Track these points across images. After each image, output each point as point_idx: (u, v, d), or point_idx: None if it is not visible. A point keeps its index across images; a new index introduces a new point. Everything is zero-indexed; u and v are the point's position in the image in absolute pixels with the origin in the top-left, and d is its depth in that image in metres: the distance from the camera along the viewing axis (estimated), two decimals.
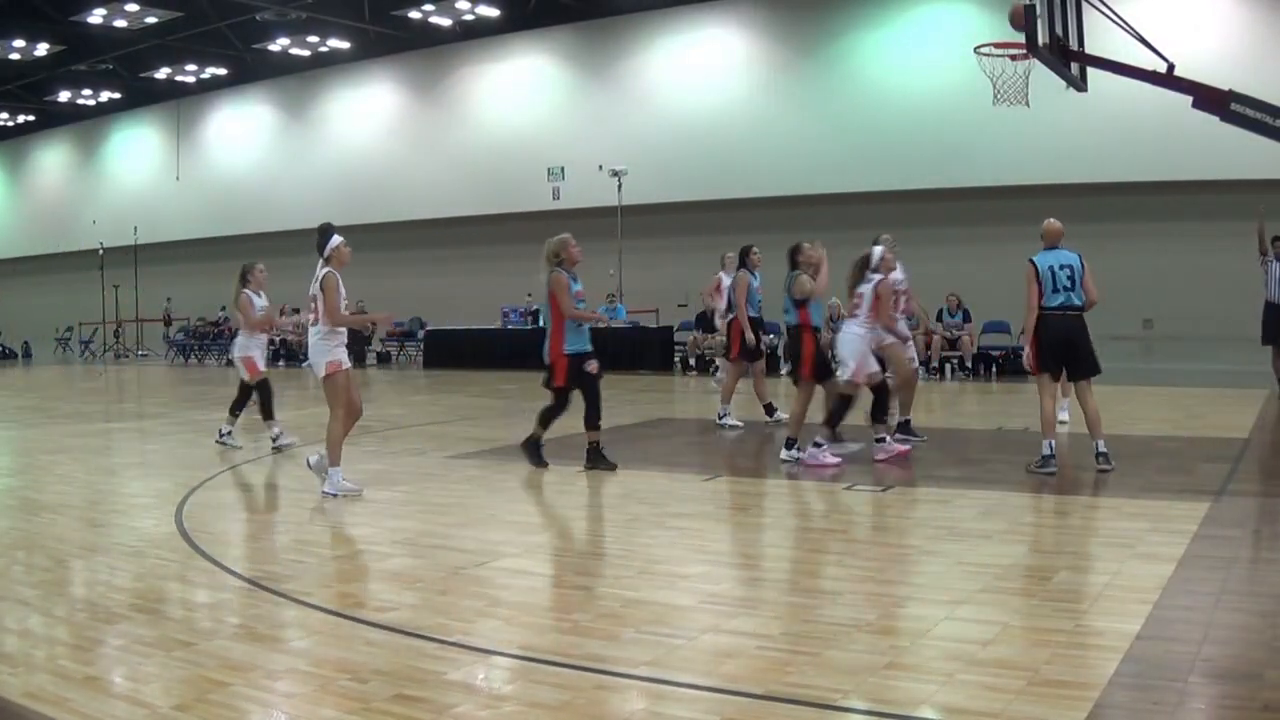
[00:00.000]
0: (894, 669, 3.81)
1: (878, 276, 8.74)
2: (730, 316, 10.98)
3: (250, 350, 10.31)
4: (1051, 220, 8.16)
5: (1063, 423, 10.33)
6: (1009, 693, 3.53)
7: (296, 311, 24.54)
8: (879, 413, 8.71)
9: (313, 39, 25.97)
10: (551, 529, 6.68)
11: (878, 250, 8.87)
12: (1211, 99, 9.51)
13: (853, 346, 8.60)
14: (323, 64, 27.79)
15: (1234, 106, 9.36)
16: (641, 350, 19.71)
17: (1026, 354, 8.06)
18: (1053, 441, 7.84)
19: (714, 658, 4.04)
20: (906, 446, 8.89)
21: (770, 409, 11.05)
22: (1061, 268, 7.85)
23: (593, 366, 8.29)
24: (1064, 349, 7.89)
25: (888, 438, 8.71)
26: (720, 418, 10.94)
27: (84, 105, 32.07)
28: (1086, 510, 6.54)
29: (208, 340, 27.11)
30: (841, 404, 8.61)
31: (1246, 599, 4.64)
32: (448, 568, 5.49)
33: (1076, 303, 7.86)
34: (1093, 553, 5.43)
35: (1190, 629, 4.16)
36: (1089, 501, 6.78)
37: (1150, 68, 9.67)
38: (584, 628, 4.38)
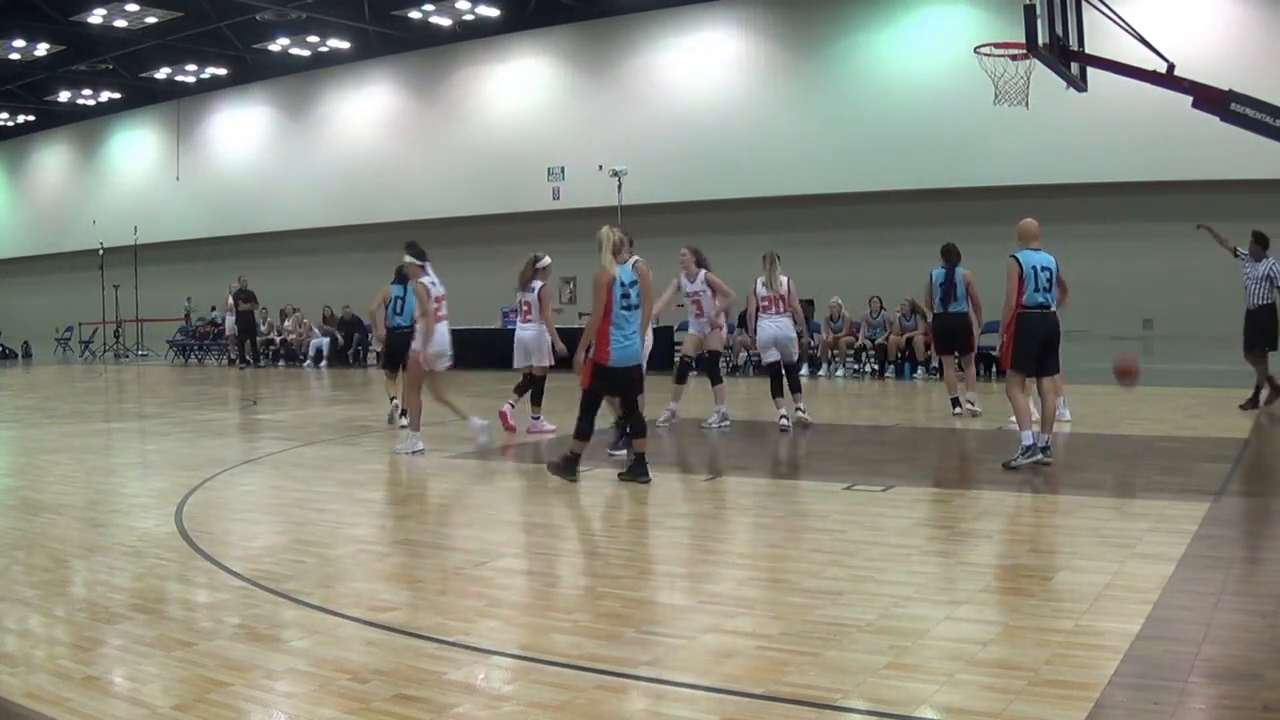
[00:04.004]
0: (894, 669, 3.81)
1: (540, 283, 10.53)
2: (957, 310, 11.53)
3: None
4: (1029, 220, 8.28)
5: (1067, 421, 10.38)
6: (1009, 693, 3.53)
7: (296, 311, 24.64)
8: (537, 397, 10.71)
9: (313, 39, 25.97)
10: (551, 529, 6.68)
11: (546, 259, 10.62)
12: (1211, 99, 9.53)
13: (526, 342, 10.56)
14: (323, 64, 27.79)
15: (1234, 106, 9.38)
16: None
17: (1001, 345, 8.23)
18: (1031, 432, 7.91)
19: (714, 658, 4.03)
20: (552, 428, 10.62)
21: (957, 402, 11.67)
22: (1042, 269, 8.01)
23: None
24: (1042, 347, 8.05)
25: (541, 417, 10.72)
26: (966, 404, 11.57)
27: (84, 105, 32.07)
28: (1086, 510, 6.53)
29: (207, 340, 27.10)
30: (533, 383, 10.68)
31: (1246, 599, 4.63)
32: (448, 568, 5.49)
33: (1052, 303, 8.11)
34: (1093, 553, 5.42)
35: (1190, 629, 4.15)
36: (1089, 501, 6.77)
37: (1150, 68, 9.68)
38: (584, 628, 4.38)
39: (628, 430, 9.78)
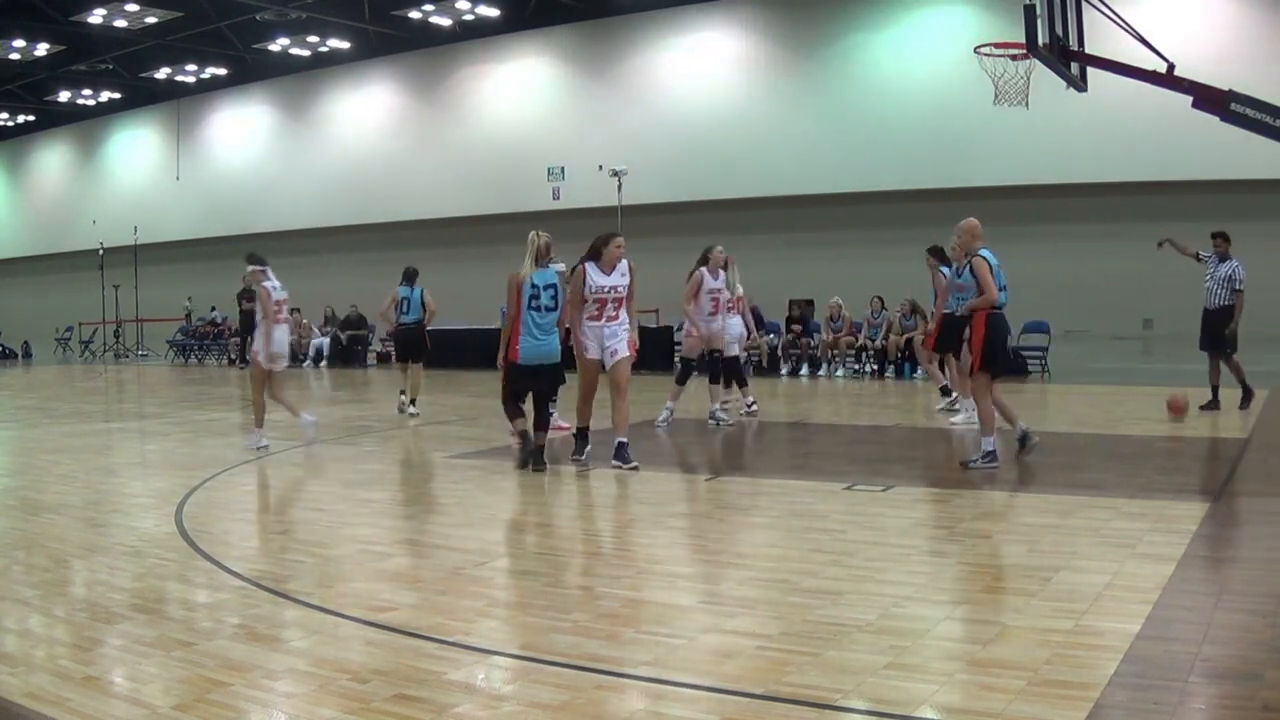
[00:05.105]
0: (894, 669, 3.81)
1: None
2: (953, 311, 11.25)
3: None
4: (974, 220, 8.47)
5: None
6: (1009, 693, 3.53)
7: (296, 311, 24.63)
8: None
9: (313, 39, 25.99)
10: (551, 529, 6.68)
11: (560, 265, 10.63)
12: (1211, 99, 9.52)
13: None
14: (323, 64, 27.80)
15: (1234, 106, 9.37)
16: (641, 350, 19.65)
17: (969, 348, 8.23)
18: (994, 438, 7.90)
19: (714, 658, 4.03)
20: (566, 425, 10.15)
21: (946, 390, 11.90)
22: (1000, 269, 8.03)
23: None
24: (1004, 348, 8.06)
25: (554, 413, 10.37)
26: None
27: (84, 105, 32.08)
28: (1086, 510, 6.53)
29: (207, 340, 27.09)
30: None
31: (1246, 599, 4.63)
32: (448, 568, 5.48)
33: (1006, 302, 8.18)
34: (1093, 553, 5.42)
35: (1190, 629, 4.15)
36: (1089, 501, 6.77)
37: (1150, 68, 9.67)
38: (584, 628, 4.38)
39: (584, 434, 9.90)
